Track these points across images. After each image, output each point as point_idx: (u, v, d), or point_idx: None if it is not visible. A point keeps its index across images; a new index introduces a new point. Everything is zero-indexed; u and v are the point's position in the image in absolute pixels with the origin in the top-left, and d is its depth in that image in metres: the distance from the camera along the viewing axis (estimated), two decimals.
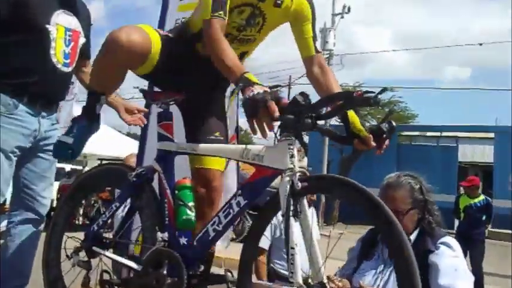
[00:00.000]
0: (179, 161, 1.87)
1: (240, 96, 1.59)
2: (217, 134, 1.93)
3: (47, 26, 2.12)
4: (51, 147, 2.21)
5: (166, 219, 1.76)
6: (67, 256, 1.97)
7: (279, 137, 1.51)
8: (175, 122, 1.90)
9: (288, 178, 1.46)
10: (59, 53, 2.17)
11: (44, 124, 2.19)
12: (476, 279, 6.80)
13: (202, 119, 1.94)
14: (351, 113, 1.60)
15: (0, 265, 2.17)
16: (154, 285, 1.68)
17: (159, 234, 1.76)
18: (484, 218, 6.91)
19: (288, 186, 1.44)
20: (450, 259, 1.96)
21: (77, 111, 2.06)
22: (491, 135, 17.24)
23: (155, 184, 1.87)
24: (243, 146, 1.62)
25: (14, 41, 2.09)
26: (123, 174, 1.88)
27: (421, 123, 21.05)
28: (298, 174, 1.47)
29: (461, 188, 7.56)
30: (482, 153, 21.61)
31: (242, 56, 1.94)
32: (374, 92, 1.37)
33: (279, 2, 1.79)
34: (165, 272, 1.67)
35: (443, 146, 17.83)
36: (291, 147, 1.49)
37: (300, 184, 1.44)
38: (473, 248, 6.50)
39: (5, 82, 2.07)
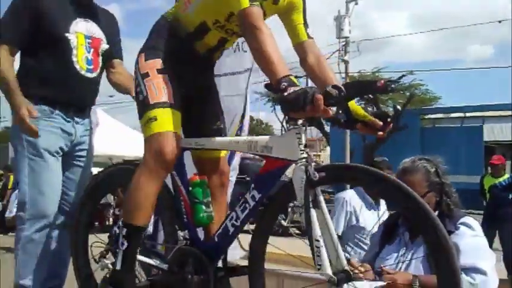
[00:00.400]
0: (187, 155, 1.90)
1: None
2: (218, 123, 1.95)
3: (67, 34, 2.19)
4: (84, 153, 2.32)
5: (185, 217, 1.80)
6: (94, 260, 2.03)
7: (286, 126, 1.53)
8: None
9: (302, 168, 1.47)
10: (81, 60, 2.23)
11: (78, 129, 2.27)
12: (507, 258, 6.66)
13: (203, 111, 1.93)
14: (351, 102, 1.59)
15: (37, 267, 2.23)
16: (182, 284, 1.72)
17: (180, 233, 1.80)
18: (510, 196, 6.79)
19: (305, 177, 1.45)
20: (470, 239, 1.97)
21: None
22: None
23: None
24: (251, 137, 1.64)
25: (37, 53, 2.18)
26: None
27: (444, 105, 20.72)
28: (313, 164, 1.47)
29: (489, 168, 7.41)
30: (511, 131, 21.10)
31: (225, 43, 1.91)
32: (395, 81, 1.39)
33: None
34: (191, 270, 1.71)
35: (467, 126, 17.46)
36: (299, 136, 1.50)
37: (317, 174, 1.44)
38: (502, 227, 6.39)
39: (35, 93, 2.16)
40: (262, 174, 1.63)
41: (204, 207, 1.79)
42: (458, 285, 1.29)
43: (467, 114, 18.17)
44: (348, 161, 16.61)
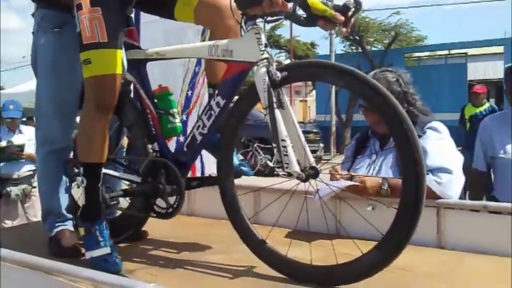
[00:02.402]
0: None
1: None
2: None
3: None
4: None
5: (153, 129, 1.80)
6: (71, 179, 2.06)
7: (245, 27, 1.49)
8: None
9: (264, 69, 1.44)
10: None
11: None
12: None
13: None
14: None
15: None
16: (154, 194, 1.75)
17: (149, 146, 1.81)
18: None
19: (267, 78, 1.43)
20: (436, 141, 2.02)
21: None
22: (502, 49, 16.83)
23: None
24: (211, 42, 1.60)
25: None
26: None
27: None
28: (275, 64, 1.45)
29: (471, 97, 7.45)
30: (495, 70, 21.21)
31: None
32: None
33: None
34: (162, 180, 1.73)
35: (451, 64, 17.50)
36: (259, 35, 1.47)
37: (279, 74, 1.42)
38: None
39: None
40: (225, 79, 1.61)
41: (170, 118, 1.80)
42: (421, 175, 1.27)
43: (452, 52, 18.16)
44: (333, 101, 16.71)
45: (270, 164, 10.24)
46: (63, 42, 1.89)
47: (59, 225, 1.93)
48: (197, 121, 1.70)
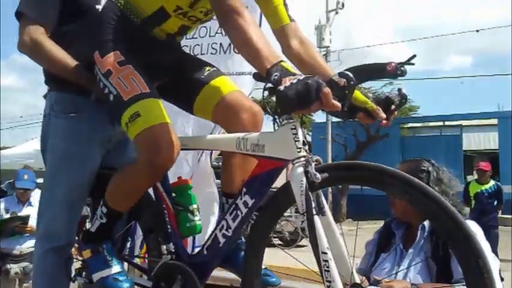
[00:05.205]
0: None
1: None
2: (207, 68, 1.74)
3: (98, 6, 1.83)
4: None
5: (169, 227, 1.61)
6: (71, 279, 1.84)
7: (279, 121, 1.34)
8: None
9: (301, 169, 1.27)
10: None
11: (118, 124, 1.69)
12: None
13: (185, 76, 1.73)
14: None
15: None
16: None
17: (164, 246, 1.61)
18: (495, 203, 6.83)
19: (304, 179, 1.25)
20: None
21: None
22: (496, 121, 17.14)
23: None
24: (240, 134, 1.45)
25: (67, 30, 1.81)
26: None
27: (423, 114, 20.95)
28: (314, 163, 1.27)
29: (476, 174, 7.42)
30: (488, 141, 21.50)
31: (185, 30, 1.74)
32: (405, 63, 1.28)
33: None
34: (177, 287, 1.53)
35: (446, 135, 17.70)
36: (295, 131, 1.31)
37: (318, 176, 1.24)
38: (487, 234, 6.38)
39: (66, 80, 1.76)
40: (255, 177, 1.44)
41: (189, 215, 1.61)
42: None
43: (446, 123, 18.42)
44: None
45: None
46: (77, 128, 1.76)
47: None
48: (220, 221, 1.51)
